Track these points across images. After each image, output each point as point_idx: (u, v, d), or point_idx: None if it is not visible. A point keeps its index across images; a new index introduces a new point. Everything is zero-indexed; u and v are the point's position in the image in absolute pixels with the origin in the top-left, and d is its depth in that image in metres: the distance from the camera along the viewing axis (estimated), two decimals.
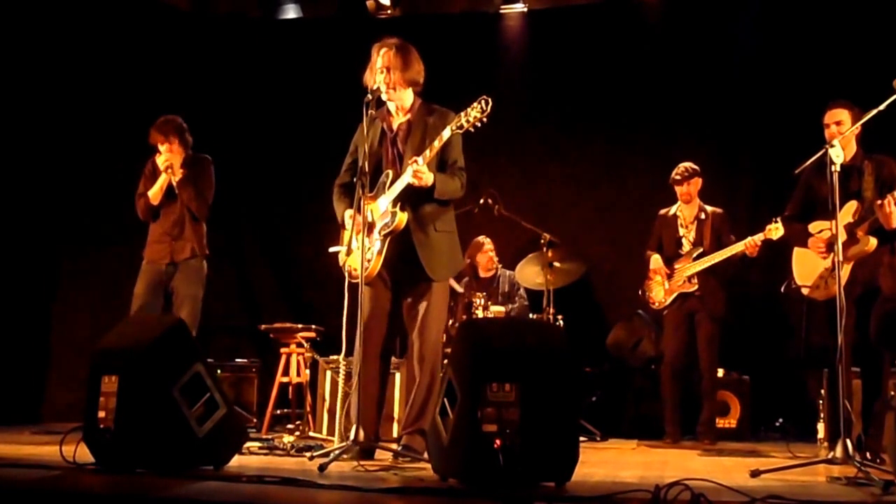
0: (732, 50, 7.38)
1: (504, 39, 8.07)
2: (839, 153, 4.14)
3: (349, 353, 4.45)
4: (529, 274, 6.72)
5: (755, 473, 3.77)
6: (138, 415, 3.49)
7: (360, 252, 4.19)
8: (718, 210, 6.20)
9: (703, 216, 6.17)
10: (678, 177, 6.15)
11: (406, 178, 4.23)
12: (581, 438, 5.23)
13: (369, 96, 4.29)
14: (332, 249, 4.58)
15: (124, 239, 6.44)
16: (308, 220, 7.94)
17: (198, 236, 5.80)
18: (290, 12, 8.45)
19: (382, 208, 4.35)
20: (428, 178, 4.22)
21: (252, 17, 8.39)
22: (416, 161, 4.20)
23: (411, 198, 4.31)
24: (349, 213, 4.43)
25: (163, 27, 7.85)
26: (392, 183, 4.35)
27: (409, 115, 4.48)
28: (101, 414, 3.57)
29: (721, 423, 6.45)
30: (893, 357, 4.93)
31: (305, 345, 6.34)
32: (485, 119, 4.12)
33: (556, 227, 6.76)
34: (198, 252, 5.78)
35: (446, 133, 4.22)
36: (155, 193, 5.78)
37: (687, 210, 6.21)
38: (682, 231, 6.20)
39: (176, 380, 3.57)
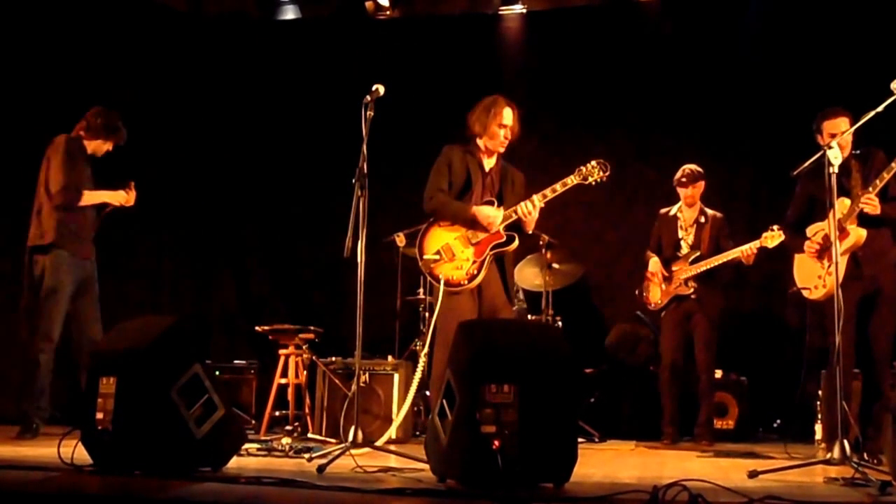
0: (732, 52, 7.38)
1: (503, 41, 8.07)
2: (837, 154, 4.15)
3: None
4: (528, 275, 6.72)
5: (753, 474, 3.78)
6: (136, 416, 3.48)
7: (360, 252, 4.26)
8: (718, 214, 6.19)
9: (703, 220, 6.15)
10: (684, 179, 6.12)
11: (520, 211, 4.73)
12: (579, 439, 5.24)
13: (368, 97, 4.38)
14: (426, 257, 4.80)
15: None
16: (306, 221, 7.95)
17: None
18: (289, 13, 8.45)
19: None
20: (536, 218, 4.77)
21: (250, 18, 8.39)
22: (534, 199, 4.73)
23: (513, 228, 4.80)
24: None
25: (159, 27, 7.85)
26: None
27: (497, 162, 4.96)
28: (100, 415, 3.56)
29: (719, 424, 6.46)
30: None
31: (303, 346, 6.33)
32: (604, 180, 4.81)
33: (554, 229, 6.77)
34: None
35: (570, 181, 4.79)
36: (87, 200, 5.63)
37: (688, 213, 6.19)
38: (681, 233, 6.18)
39: (174, 381, 3.56)
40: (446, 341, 4.58)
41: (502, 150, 4.90)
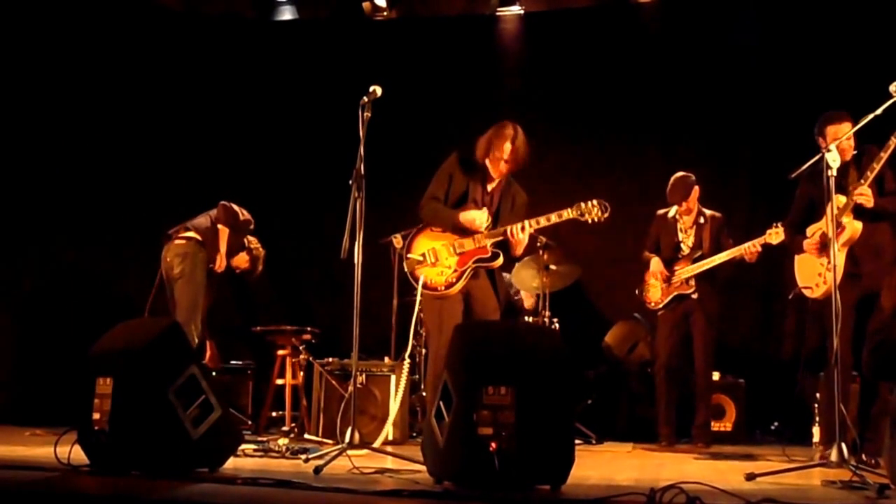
0: (730, 53, 7.38)
1: (500, 42, 8.07)
2: (836, 157, 4.16)
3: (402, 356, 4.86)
4: (525, 277, 6.70)
5: (750, 477, 3.78)
6: (133, 417, 3.48)
7: (357, 254, 4.33)
8: (717, 214, 6.13)
9: (702, 220, 6.10)
10: (682, 192, 5.98)
11: (509, 232, 4.80)
12: (576, 441, 5.23)
13: (365, 98, 4.45)
14: (411, 256, 4.91)
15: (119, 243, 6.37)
16: (302, 222, 7.94)
17: None
18: (286, 13, 8.44)
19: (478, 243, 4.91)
20: (524, 242, 4.85)
21: (247, 19, 8.37)
22: (523, 225, 4.79)
23: (501, 246, 4.90)
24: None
25: (155, 27, 7.83)
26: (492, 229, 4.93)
27: (500, 183, 5.01)
28: (96, 416, 3.56)
29: (716, 426, 6.45)
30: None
31: (300, 347, 6.32)
32: (601, 220, 4.87)
33: (551, 230, 6.74)
34: None
35: (566, 214, 4.89)
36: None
37: (687, 216, 6.14)
38: (681, 236, 6.12)
39: (171, 382, 3.56)
40: (437, 343, 4.68)
41: (501, 176, 4.97)
